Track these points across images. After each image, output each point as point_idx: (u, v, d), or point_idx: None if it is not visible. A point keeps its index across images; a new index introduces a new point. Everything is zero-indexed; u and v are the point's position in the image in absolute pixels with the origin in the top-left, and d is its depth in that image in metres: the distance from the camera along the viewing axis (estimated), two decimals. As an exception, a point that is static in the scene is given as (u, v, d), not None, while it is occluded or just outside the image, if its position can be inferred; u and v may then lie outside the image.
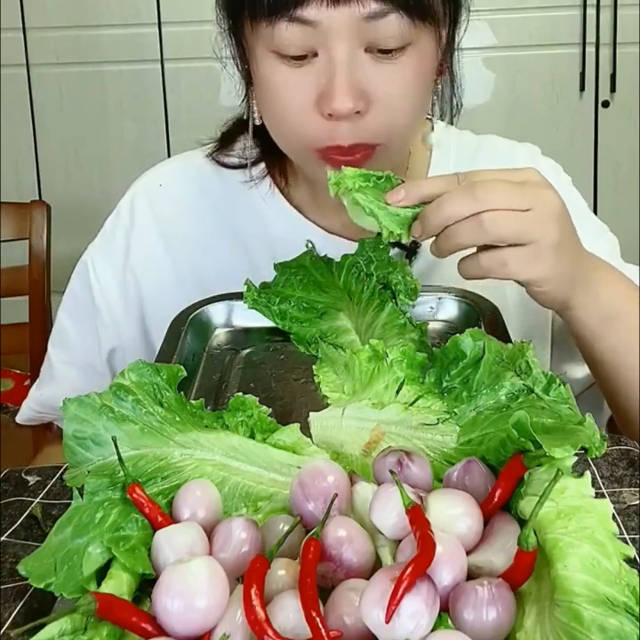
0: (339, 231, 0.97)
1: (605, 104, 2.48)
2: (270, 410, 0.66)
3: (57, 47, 2.48)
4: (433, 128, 0.95)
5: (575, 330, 0.84)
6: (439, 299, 0.88)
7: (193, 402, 0.66)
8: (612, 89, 2.46)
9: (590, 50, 2.44)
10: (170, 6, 2.45)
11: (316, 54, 0.79)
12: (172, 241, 1.00)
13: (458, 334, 0.69)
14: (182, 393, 0.66)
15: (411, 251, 0.96)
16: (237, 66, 0.88)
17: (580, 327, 0.83)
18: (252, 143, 0.97)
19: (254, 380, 0.78)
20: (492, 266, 0.74)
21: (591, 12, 2.41)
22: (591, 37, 2.43)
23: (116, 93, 2.52)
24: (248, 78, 0.87)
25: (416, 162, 0.99)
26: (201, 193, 1.00)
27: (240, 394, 0.67)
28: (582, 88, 2.47)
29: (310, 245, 0.95)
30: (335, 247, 0.91)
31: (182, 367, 0.67)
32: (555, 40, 2.44)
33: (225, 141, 1.00)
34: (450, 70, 0.90)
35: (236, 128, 0.99)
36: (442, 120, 0.95)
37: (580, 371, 0.98)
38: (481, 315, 0.84)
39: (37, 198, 2.28)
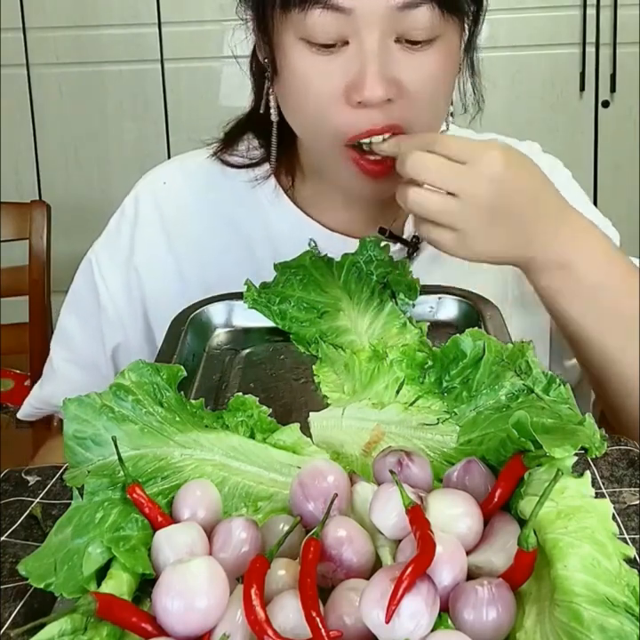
0: (344, 229, 0.97)
1: (605, 104, 2.48)
2: (270, 410, 0.66)
3: (57, 47, 2.49)
4: (448, 128, 0.95)
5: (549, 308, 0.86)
6: (439, 299, 0.88)
7: (193, 402, 0.66)
8: (612, 89, 2.46)
9: (590, 50, 2.44)
10: (170, 6, 2.46)
11: (346, 43, 0.80)
12: (176, 240, 1.00)
13: (458, 334, 0.69)
14: (182, 393, 0.66)
15: (412, 246, 0.96)
16: (260, 57, 0.88)
17: (554, 305, 0.85)
18: (257, 143, 0.97)
19: (254, 380, 0.78)
20: (421, 231, 0.81)
21: (591, 11, 2.41)
22: (591, 37, 2.43)
23: (116, 93, 2.52)
24: (270, 71, 0.87)
25: None
26: (205, 192, 1.00)
27: (240, 394, 0.67)
28: (582, 88, 2.47)
29: (313, 244, 0.96)
30: (340, 245, 0.91)
31: (182, 367, 0.67)
32: (555, 40, 2.44)
33: (229, 141, 1.00)
34: (471, 68, 0.91)
35: (240, 128, 0.99)
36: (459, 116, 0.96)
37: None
38: (481, 315, 0.84)
39: (37, 198, 2.28)
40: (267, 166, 0.97)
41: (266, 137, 0.94)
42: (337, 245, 0.91)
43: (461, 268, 0.91)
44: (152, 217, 1.00)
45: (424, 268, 0.95)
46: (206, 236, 1.00)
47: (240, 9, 0.88)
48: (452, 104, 0.91)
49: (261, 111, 0.91)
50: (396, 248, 0.96)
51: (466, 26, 0.86)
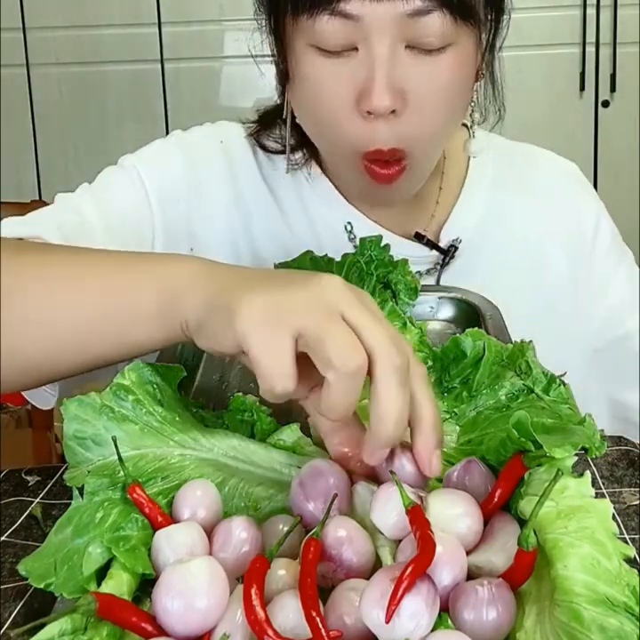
0: (378, 220, 0.97)
1: (605, 104, 2.48)
2: (270, 410, 0.66)
3: (57, 47, 2.48)
4: (472, 135, 0.95)
5: None
6: (439, 299, 0.88)
7: (193, 402, 0.66)
8: (612, 89, 2.46)
9: (590, 50, 2.44)
10: (170, 6, 2.46)
11: (355, 49, 0.79)
12: (222, 196, 0.98)
13: (458, 334, 0.69)
14: (182, 393, 0.66)
15: (448, 253, 0.97)
16: (275, 62, 0.88)
17: None
18: (291, 133, 0.96)
19: (254, 380, 0.77)
20: None
21: (591, 11, 2.41)
22: (591, 37, 2.43)
23: (116, 93, 2.52)
24: (285, 76, 0.86)
25: (452, 167, 1.00)
26: (253, 158, 0.99)
27: (240, 394, 0.67)
28: (582, 88, 2.47)
29: (349, 228, 0.96)
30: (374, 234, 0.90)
31: (182, 367, 0.67)
32: (555, 40, 2.44)
33: (264, 124, 0.99)
34: (491, 76, 0.89)
35: (272, 116, 0.98)
36: (479, 125, 0.95)
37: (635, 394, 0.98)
38: (481, 315, 0.84)
39: (37, 198, 2.28)
40: (302, 152, 0.97)
41: (296, 128, 0.93)
42: (372, 234, 0.90)
43: (494, 276, 0.90)
44: (211, 165, 0.97)
45: (458, 276, 0.95)
46: (252, 197, 0.98)
47: (257, 13, 0.87)
48: (472, 112, 0.91)
49: (284, 116, 0.91)
50: (430, 254, 0.97)
51: (484, 32, 0.83)
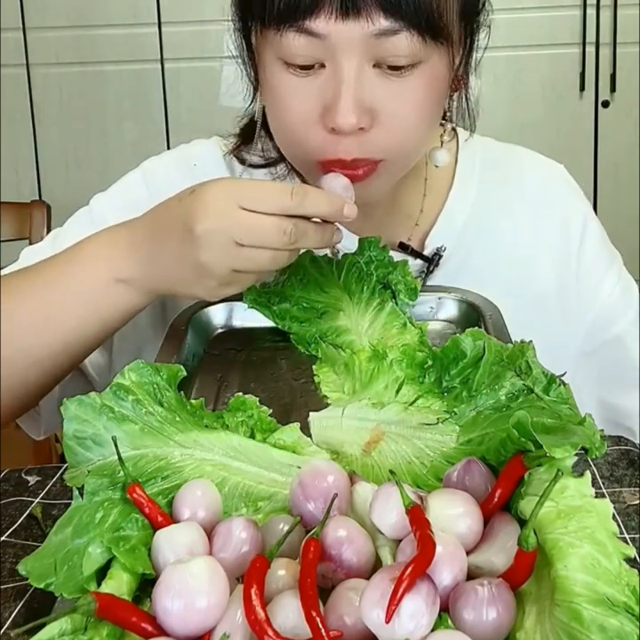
0: (360, 233, 0.96)
1: (605, 104, 2.48)
2: (270, 410, 0.67)
3: (57, 47, 2.48)
4: (471, 135, 0.94)
5: None
6: (439, 299, 0.88)
7: (193, 402, 0.66)
8: (612, 89, 2.46)
9: (590, 50, 2.44)
10: (170, 6, 2.45)
11: (323, 65, 0.78)
12: None
13: (458, 334, 0.69)
14: (182, 393, 0.66)
15: (433, 262, 0.96)
16: (246, 69, 0.88)
17: None
18: (271, 145, 0.95)
19: (254, 380, 0.78)
20: None
21: (591, 11, 2.41)
22: (591, 37, 2.43)
23: (116, 93, 2.52)
24: (256, 82, 0.87)
25: (436, 172, 0.98)
26: (231, 176, 0.98)
27: (240, 394, 0.67)
28: (582, 88, 2.47)
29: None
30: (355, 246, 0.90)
31: (182, 367, 0.67)
32: (555, 40, 2.44)
33: (245, 138, 0.98)
34: (465, 84, 0.88)
35: (253, 127, 0.97)
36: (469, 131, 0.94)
37: (631, 398, 0.97)
38: (481, 315, 0.84)
39: (37, 198, 2.28)
40: (283, 164, 0.96)
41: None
42: (352, 245, 0.90)
43: (481, 282, 0.90)
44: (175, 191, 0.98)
45: (444, 283, 0.94)
46: None
47: (234, 19, 0.86)
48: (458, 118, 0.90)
49: (256, 119, 0.91)
50: (415, 262, 0.95)
51: (457, 51, 0.82)
